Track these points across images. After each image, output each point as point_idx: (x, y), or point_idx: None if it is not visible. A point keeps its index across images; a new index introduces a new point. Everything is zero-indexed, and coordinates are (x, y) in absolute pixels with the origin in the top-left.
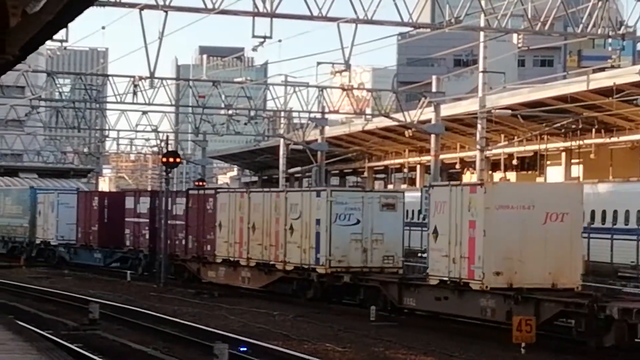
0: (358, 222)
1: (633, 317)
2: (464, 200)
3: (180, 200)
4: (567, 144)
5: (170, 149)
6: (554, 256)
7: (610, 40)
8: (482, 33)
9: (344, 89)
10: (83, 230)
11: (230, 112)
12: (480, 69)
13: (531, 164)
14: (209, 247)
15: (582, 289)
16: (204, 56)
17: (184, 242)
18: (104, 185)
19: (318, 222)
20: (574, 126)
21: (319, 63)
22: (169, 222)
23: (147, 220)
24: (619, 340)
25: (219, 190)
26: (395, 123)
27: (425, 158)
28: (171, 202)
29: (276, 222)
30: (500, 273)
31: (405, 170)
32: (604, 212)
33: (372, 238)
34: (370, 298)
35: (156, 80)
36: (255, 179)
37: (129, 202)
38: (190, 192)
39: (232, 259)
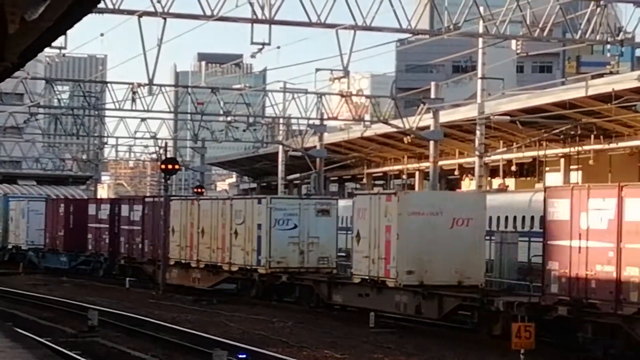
0: (295, 226)
1: (515, 309)
2: (381, 208)
3: (138, 207)
4: (566, 150)
5: (169, 155)
6: (460, 257)
7: (608, 46)
8: (480, 39)
9: (342, 96)
10: (50, 236)
11: (229, 118)
12: (479, 75)
13: (530, 170)
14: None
15: (485, 285)
16: (203, 63)
17: (140, 246)
18: (103, 192)
19: (259, 226)
20: (572, 132)
21: (317, 70)
22: (126, 227)
23: (107, 225)
24: (506, 330)
25: (172, 197)
26: (394, 129)
27: (424, 164)
28: (129, 208)
29: (222, 227)
30: (412, 272)
31: (404, 176)
32: (498, 218)
33: (308, 241)
34: (305, 296)
35: (155, 87)
36: (254, 185)
37: (91, 209)
38: (146, 199)
39: (183, 261)
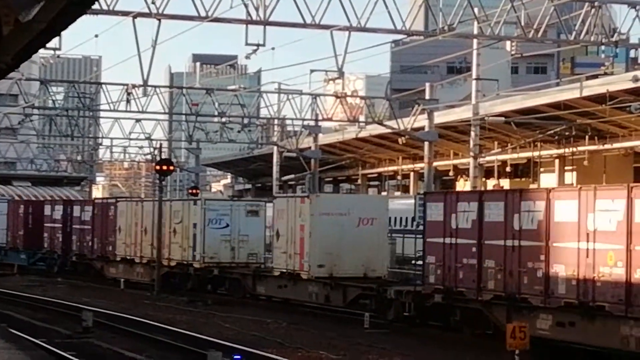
0: (227, 225)
1: (403, 297)
2: (296, 209)
3: (88, 209)
4: (561, 151)
5: (163, 156)
6: (365, 252)
7: (603, 47)
8: (475, 40)
9: (337, 97)
10: (12, 235)
11: (223, 119)
12: (474, 76)
13: (525, 171)
14: (110, 248)
15: (389, 276)
16: (197, 64)
17: (90, 243)
18: (98, 193)
19: (195, 225)
20: (567, 133)
21: (312, 71)
22: (78, 226)
23: (61, 225)
24: (397, 315)
25: (119, 199)
26: (389, 130)
27: (418, 165)
28: (80, 209)
29: (163, 226)
30: (322, 265)
31: (399, 177)
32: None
33: (238, 239)
34: (233, 287)
35: (149, 88)
36: (248, 186)
37: (47, 210)
38: (96, 201)
39: (128, 257)
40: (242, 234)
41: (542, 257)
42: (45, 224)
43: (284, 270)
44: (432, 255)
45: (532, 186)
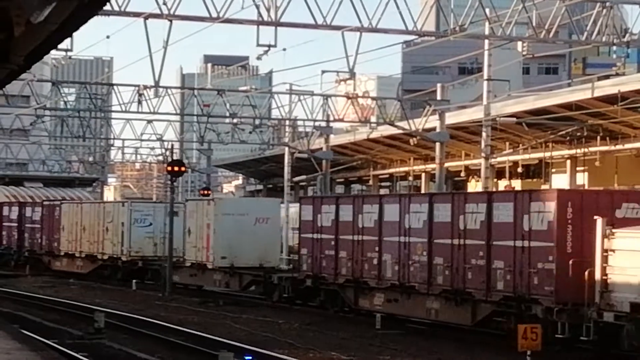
0: (151, 224)
1: (284, 282)
2: (204, 210)
3: (38, 209)
4: (572, 151)
5: (175, 157)
6: (261, 246)
7: (614, 47)
8: (486, 41)
9: (348, 97)
10: None
11: (235, 120)
12: (485, 76)
13: (536, 171)
14: (56, 244)
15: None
16: (209, 65)
17: (39, 240)
18: (110, 194)
19: (123, 224)
20: (579, 134)
21: (323, 71)
22: (30, 225)
23: (16, 224)
24: (280, 297)
25: (63, 202)
26: (400, 131)
27: (430, 166)
28: (31, 210)
29: (98, 225)
30: (225, 257)
31: (411, 178)
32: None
33: (160, 236)
34: (154, 277)
35: (161, 89)
36: (260, 187)
37: (5, 211)
38: (44, 203)
39: (70, 252)
40: (164, 232)
41: (377, 249)
42: (4, 223)
43: (194, 262)
44: (305, 248)
45: (543, 187)
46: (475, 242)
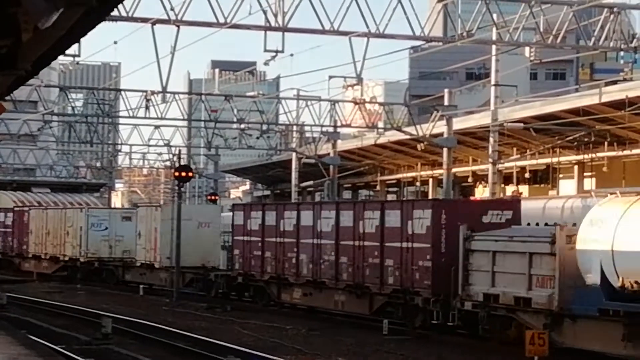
0: (106, 228)
1: (219, 279)
2: (153, 215)
3: (10, 215)
4: (580, 157)
5: (182, 163)
6: (204, 248)
7: (622, 53)
8: (494, 46)
9: (356, 103)
10: None
11: (242, 126)
12: (493, 82)
13: (544, 177)
14: (25, 247)
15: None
16: (216, 70)
17: (11, 243)
18: (117, 200)
19: (81, 228)
20: (586, 139)
21: (330, 77)
22: (2, 229)
23: None
24: (217, 293)
25: (31, 207)
26: (408, 137)
27: (437, 172)
28: (4, 215)
29: (60, 229)
30: (170, 258)
31: (418, 184)
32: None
33: (115, 239)
34: (109, 277)
35: (168, 95)
36: (267, 192)
37: None
38: (15, 209)
39: (37, 254)
40: (118, 235)
41: (295, 250)
42: None
43: (144, 262)
44: (237, 249)
45: (551, 192)
46: (372, 243)
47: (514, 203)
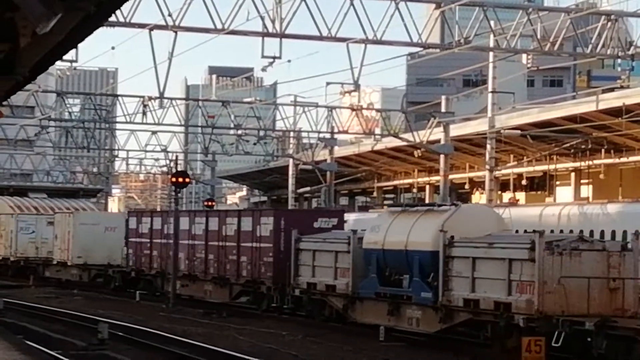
0: (34, 232)
1: (116, 274)
2: (67, 221)
3: None
4: (577, 164)
5: (179, 168)
6: (109, 248)
7: (619, 60)
8: (491, 53)
9: (353, 109)
10: None
11: (239, 132)
12: (490, 89)
13: (540, 184)
14: None
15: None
16: (214, 76)
17: None
18: (114, 205)
19: (12, 231)
20: (583, 146)
21: (328, 83)
22: None
23: None
24: (115, 286)
25: None
26: (405, 143)
27: (434, 178)
28: None
29: None
30: (80, 257)
31: (415, 190)
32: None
33: (41, 241)
34: (32, 273)
35: (166, 101)
36: (264, 198)
37: None
38: None
39: None
40: (44, 238)
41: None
42: None
43: (60, 260)
44: (131, 249)
45: (548, 200)
46: (231, 244)
47: (339, 213)
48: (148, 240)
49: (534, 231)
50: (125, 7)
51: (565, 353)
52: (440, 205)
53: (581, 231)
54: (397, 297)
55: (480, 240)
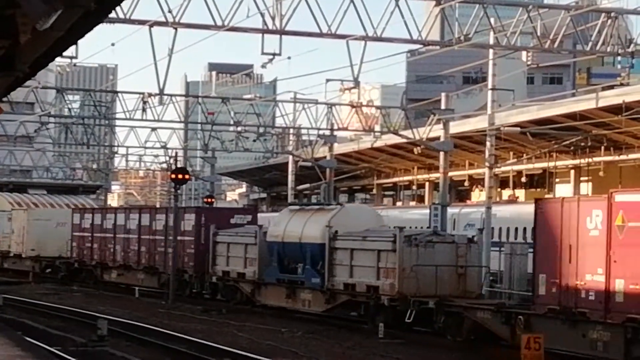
0: None
1: (62, 265)
2: (22, 216)
3: None
4: (576, 161)
5: (179, 165)
6: (61, 242)
7: (619, 58)
8: (491, 50)
9: (353, 106)
10: None
11: (239, 128)
12: (489, 86)
13: (540, 181)
14: None
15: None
16: (213, 73)
17: None
18: (113, 202)
19: None
20: (583, 144)
21: (328, 80)
22: None
23: None
24: (61, 275)
25: None
26: (404, 140)
27: (434, 175)
28: None
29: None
30: (34, 249)
31: (414, 187)
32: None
33: (2, 235)
34: None
35: (165, 97)
36: (264, 195)
37: None
38: None
39: None
40: (5, 233)
41: (113, 242)
42: None
43: (16, 253)
44: (75, 242)
45: (547, 197)
46: (160, 237)
47: (253, 210)
48: (89, 235)
49: (397, 227)
50: (125, 4)
51: (418, 327)
52: (328, 205)
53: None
54: (293, 283)
55: (357, 234)
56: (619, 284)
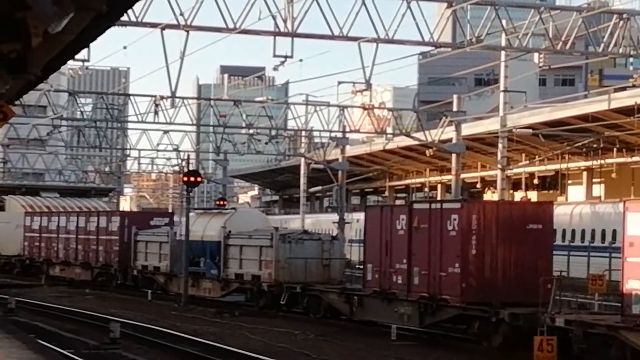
0: None
1: (17, 262)
2: None
3: None
4: (589, 163)
5: (191, 168)
6: (19, 241)
7: (631, 59)
8: (503, 52)
9: (365, 108)
10: None
11: (251, 131)
12: (502, 88)
13: (552, 183)
14: None
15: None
16: (225, 76)
17: None
18: (125, 205)
19: None
20: (595, 145)
21: (339, 82)
22: None
23: None
24: (16, 272)
25: None
26: (416, 142)
27: (446, 177)
28: None
29: None
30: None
31: (427, 189)
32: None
33: None
34: None
35: (177, 100)
36: (276, 198)
37: None
38: None
39: None
40: None
41: (57, 241)
42: None
43: None
44: (26, 242)
45: (560, 199)
46: (92, 237)
47: (169, 214)
48: (38, 235)
49: (274, 227)
50: (137, 7)
51: (294, 308)
52: (225, 209)
53: None
54: (197, 274)
55: (245, 234)
56: (415, 271)
